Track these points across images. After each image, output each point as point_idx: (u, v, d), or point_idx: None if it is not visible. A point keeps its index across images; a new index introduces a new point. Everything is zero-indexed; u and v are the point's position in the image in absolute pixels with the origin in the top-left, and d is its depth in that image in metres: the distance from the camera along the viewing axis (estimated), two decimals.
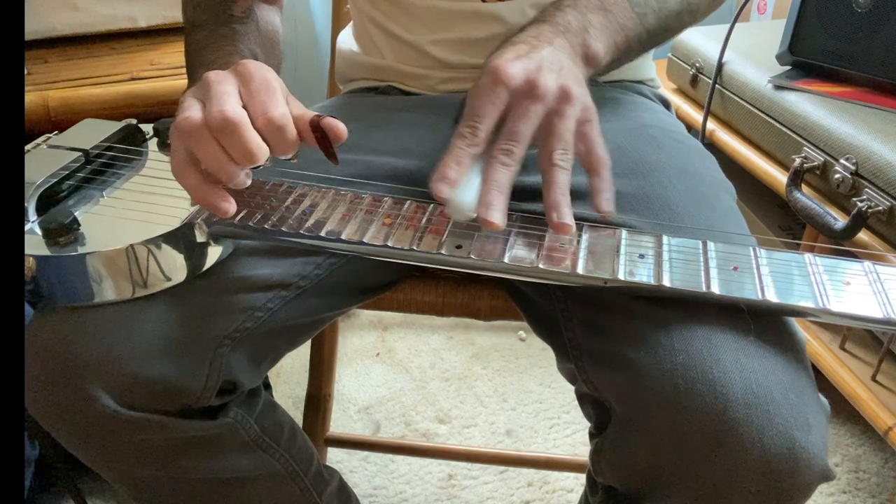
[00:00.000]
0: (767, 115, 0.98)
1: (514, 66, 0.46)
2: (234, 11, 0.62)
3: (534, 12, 0.65)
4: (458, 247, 0.48)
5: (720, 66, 1.07)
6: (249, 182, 0.47)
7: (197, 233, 0.50)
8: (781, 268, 0.46)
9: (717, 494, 0.45)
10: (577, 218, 0.51)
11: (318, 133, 0.47)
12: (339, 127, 0.47)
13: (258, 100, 0.46)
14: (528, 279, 0.47)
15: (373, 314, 1.37)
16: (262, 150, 0.45)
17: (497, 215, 0.43)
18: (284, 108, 0.46)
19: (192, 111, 0.45)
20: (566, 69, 0.47)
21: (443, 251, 0.47)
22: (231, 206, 0.47)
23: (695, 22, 0.62)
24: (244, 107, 0.45)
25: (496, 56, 0.48)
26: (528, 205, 0.54)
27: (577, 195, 0.57)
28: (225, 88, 0.46)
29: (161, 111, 0.96)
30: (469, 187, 0.45)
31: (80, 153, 0.58)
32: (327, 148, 0.48)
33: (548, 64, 0.47)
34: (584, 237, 0.48)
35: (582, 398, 0.57)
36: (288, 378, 1.24)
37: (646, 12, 0.55)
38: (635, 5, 0.54)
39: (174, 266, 0.50)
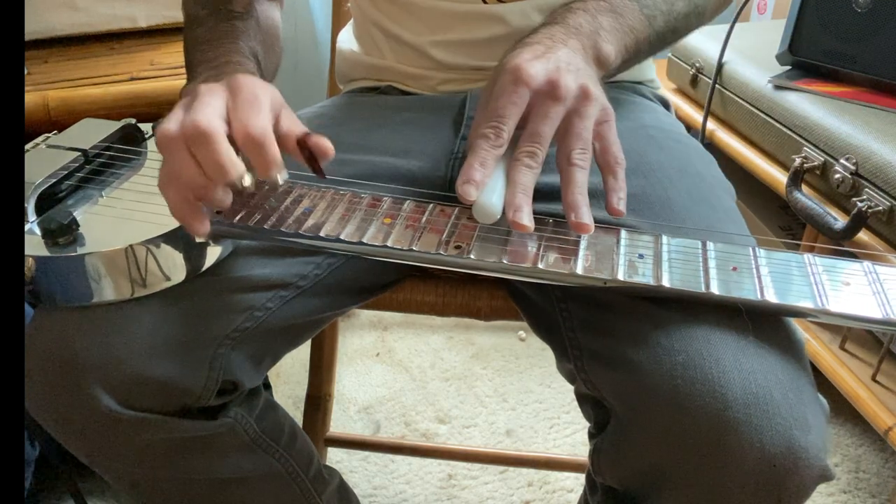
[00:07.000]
0: (767, 115, 0.98)
1: (535, 65, 0.46)
2: (234, 7, 0.61)
3: (536, 14, 0.66)
4: (458, 247, 0.47)
5: (720, 66, 1.07)
6: (230, 201, 0.46)
7: None
8: (781, 268, 0.46)
9: (717, 494, 0.45)
10: None
11: (306, 152, 0.47)
12: (325, 145, 0.47)
13: (240, 114, 0.45)
14: (528, 279, 0.47)
15: (373, 314, 1.37)
16: (233, 165, 0.43)
17: (526, 218, 0.44)
18: (266, 122, 0.45)
19: (172, 122, 0.44)
20: (582, 70, 0.47)
21: (442, 251, 0.47)
22: (204, 227, 0.46)
23: (702, 24, 0.62)
24: (228, 121, 0.45)
25: (514, 56, 0.47)
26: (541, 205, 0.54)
27: None
28: (209, 100, 0.45)
29: (161, 111, 0.96)
30: (492, 189, 0.45)
31: (80, 153, 0.58)
32: (315, 165, 0.48)
33: (565, 64, 0.47)
34: (585, 237, 0.48)
35: (581, 398, 0.57)
36: (288, 378, 1.24)
37: (655, 14, 0.55)
38: (644, 7, 0.54)
39: (173, 266, 0.50)
